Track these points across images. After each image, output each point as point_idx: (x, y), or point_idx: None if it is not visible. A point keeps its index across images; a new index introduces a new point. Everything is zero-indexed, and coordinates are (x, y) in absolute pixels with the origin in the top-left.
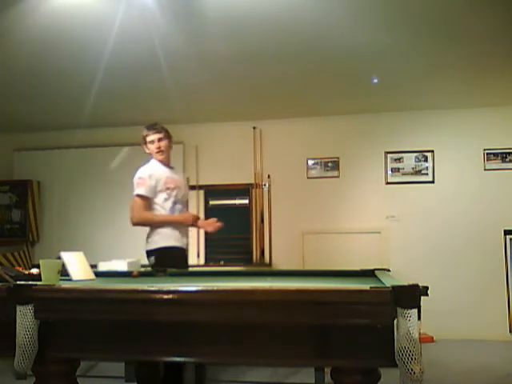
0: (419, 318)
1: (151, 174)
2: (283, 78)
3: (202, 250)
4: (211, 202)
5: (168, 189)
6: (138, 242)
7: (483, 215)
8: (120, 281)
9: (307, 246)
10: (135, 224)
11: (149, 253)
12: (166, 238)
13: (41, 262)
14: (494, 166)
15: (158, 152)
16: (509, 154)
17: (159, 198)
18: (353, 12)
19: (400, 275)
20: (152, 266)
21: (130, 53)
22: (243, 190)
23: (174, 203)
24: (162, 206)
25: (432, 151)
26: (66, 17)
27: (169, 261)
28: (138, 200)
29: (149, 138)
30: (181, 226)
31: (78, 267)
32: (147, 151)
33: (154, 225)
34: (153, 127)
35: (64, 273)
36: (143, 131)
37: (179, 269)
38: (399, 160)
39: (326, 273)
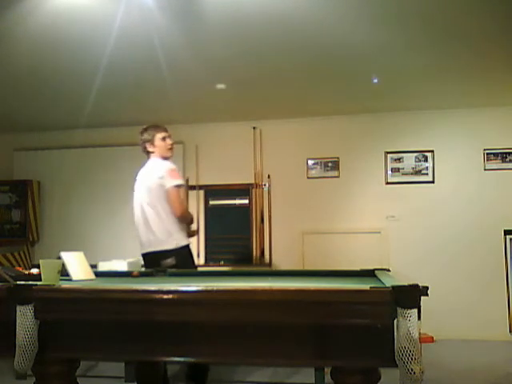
0: (419, 318)
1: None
2: (283, 78)
3: (202, 250)
4: (211, 202)
5: None
6: (137, 241)
7: (483, 215)
8: (120, 281)
9: (307, 245)
10: (181, 216)
11: (167, 253)
12: (185, 235)
13: (41, 261)
14: (494, 166)
15: (170, 149)
16: (509, 153)
17: None
18: (353, 11)
19: (400, 275)
20: (170, 267)
21: (130, 53)
22: (243, 190)
23: None
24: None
25: (432, 151)
26: (66, 17)
27: (190, 259)
28: (178, 191)
29: (162, 135)
30: None
31: (78, 267)
32: (151, 149)
33: (189, 219)
34: (159, 126)
35: (64, 273)
36: (149, 131)
37: (192, 266)
38: (399, 160)
39: (326, 273)
